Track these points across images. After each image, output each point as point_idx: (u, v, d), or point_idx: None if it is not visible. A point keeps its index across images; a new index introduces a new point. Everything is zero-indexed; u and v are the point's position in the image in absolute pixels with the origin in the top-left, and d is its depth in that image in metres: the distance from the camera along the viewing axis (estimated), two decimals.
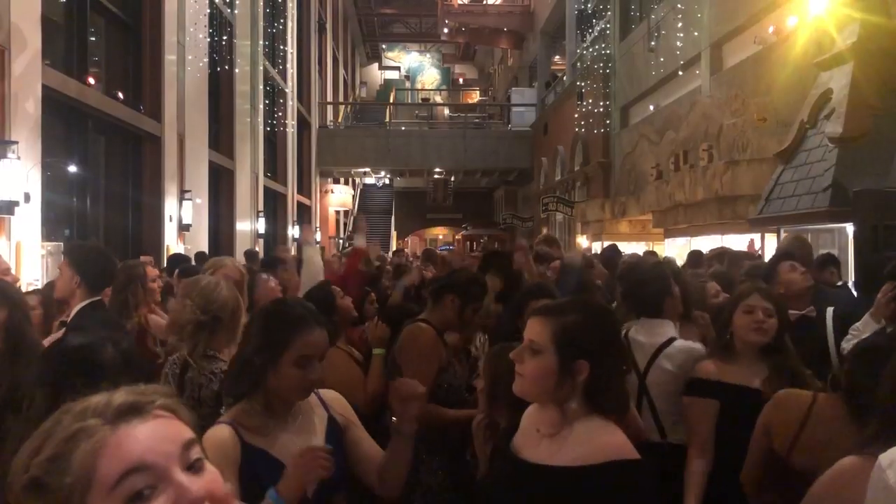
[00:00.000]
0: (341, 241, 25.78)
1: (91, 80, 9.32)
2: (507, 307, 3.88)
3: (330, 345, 2.34)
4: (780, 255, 4.23)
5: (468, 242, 33.55)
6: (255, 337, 2.05)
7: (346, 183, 30.80)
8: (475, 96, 40.61)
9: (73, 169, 8.60)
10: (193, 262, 7.02)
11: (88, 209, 9.32)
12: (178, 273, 5.27)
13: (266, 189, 17.74)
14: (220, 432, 1.94)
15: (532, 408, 1.89)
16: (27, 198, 6.96)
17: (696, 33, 11.86)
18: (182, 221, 11.26)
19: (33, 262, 7.23)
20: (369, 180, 33.02)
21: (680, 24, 12.23)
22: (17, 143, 6.77)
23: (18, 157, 6.75)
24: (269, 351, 1.99)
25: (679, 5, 12.31)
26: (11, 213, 6.74)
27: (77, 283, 3.41)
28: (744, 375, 2.76)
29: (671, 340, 3.06)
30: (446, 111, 33.74)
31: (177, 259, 7.10)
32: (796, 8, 8.62)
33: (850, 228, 6.22)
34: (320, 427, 2.10)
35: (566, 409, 1.76)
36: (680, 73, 12.46)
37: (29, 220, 7.15)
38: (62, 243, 8.15)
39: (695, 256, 7.43)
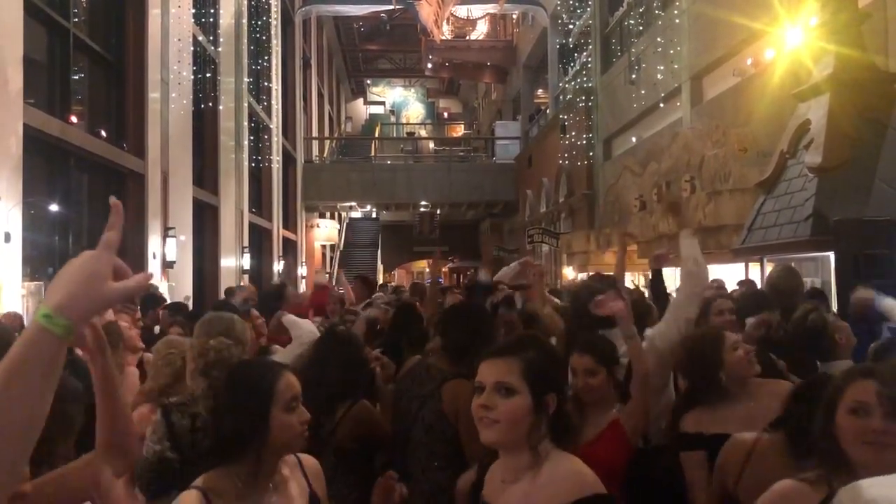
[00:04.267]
0: (327, 275, 25.61)
1: (74, 119, 9.29)
2: None
3: None
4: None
5: (454, 275, 33.53)
6: (231, 401, 1.93)
7: (333, 217, 30.76)
8: (460, 130, 40.86)
9: (55, 208, 8.54)
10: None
11: (70, 248, 9.22)
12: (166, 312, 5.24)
13: (251, 225, 17.70)
14: (189, 501, 1.78)
15: (496, 463, 1.84)
16: (7, 237, 6.90)
17: (675, 66, 12.03)
18: (166, 259, 11.18)
19: (14, 303, 7.14)
20: (355, 214, 33.00)
21: (660, 58, 12.41)
22: None
23: None
24: (257, 407, 1.87)
25: (659, 39, 12.50)
26: None
27: None
28: (725, 421, 2.75)
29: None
30: (431, 145, 33.96)
31: (152, 299, 7.00)
32: (773, 41, 8.78)
33: (832, 257, 6.26)
34: (301, 501, 1.95)
35: (539, 449, 1.72)
36: (661, 105, 12.60)
37: (10, 259, 7.07)
38: (43, 283, 8.07)
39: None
